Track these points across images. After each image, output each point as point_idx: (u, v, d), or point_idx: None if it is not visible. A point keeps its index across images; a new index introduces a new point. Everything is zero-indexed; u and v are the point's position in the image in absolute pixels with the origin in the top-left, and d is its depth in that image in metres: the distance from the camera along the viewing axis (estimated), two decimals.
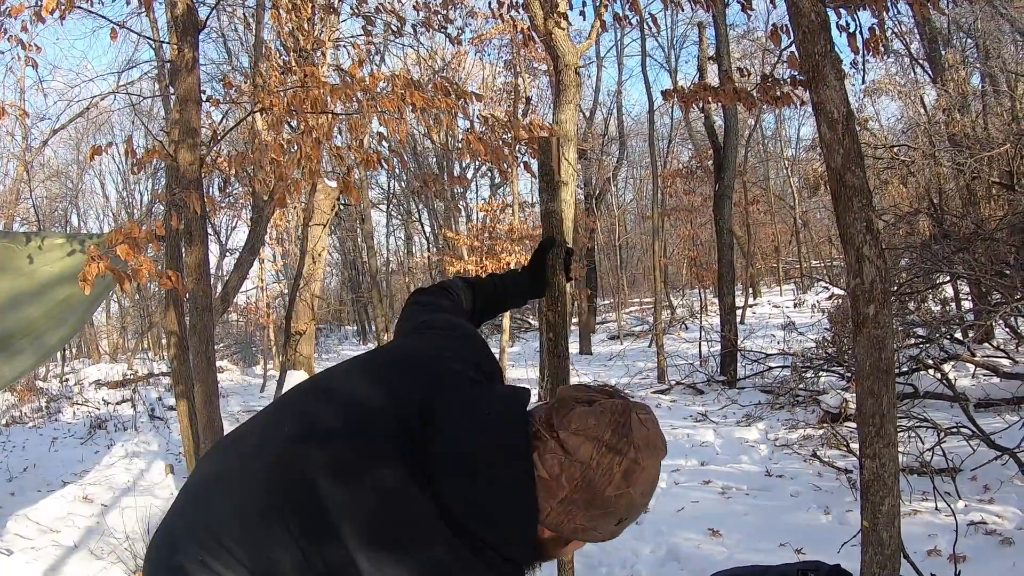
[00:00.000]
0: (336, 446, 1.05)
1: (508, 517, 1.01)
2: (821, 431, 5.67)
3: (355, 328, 28.08)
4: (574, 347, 15.85)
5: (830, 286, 8.84)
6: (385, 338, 17.21)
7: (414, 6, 5.13)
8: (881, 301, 2.10)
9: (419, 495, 1.00)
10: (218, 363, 10.08)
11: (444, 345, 1.28)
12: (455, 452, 1.02)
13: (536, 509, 1.00)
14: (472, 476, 1.01)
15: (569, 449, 0.99)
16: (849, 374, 6.74)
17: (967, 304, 7.99)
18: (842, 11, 3.39)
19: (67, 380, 14.03)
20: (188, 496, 1.14)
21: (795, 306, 15.87)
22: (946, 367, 5.89)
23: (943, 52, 9.82)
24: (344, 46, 9.40)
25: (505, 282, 1.77)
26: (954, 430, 4.50)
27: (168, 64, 4.46)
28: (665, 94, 4.45)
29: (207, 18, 4.61)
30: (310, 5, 6.48)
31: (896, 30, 10.24)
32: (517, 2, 4.66)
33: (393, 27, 5.62)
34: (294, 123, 4.93)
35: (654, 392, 9.68)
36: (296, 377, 10.23)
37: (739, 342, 10.26)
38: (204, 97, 4.25)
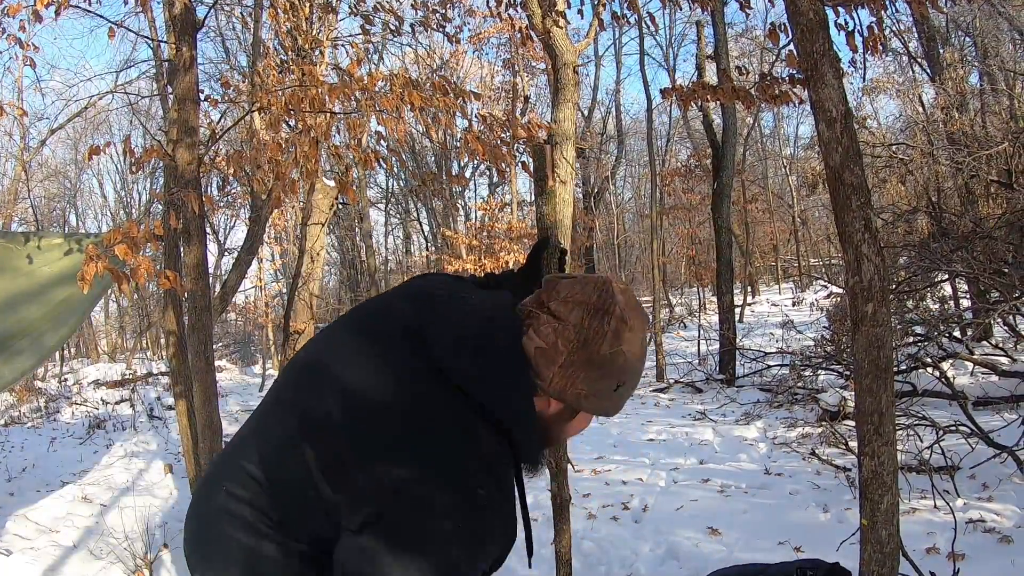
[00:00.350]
0: (329, 439, 1.10)
1: (504, 380, 1.08)
2: (820, 429, 5.68)
3: None
4: None
5: (829, 284, 8.84)
6: None
7: (412, 5, 5.12)
8: (880, 299, 2.10)
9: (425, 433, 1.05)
10: (217, 362, 10.06)
11: (431, 278, 1.35)
12: (450, 330, 1.11)
13: (526, 367, 1.08)
14: (468, 344, 1.08)
15: (561, 316, 1.09)
16: (848, 372, 6.74)
17: (965, 302, 7.99)
18: (840, 9, 3.38)
19: (66, 380, 14.02)
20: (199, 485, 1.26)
21: (794, 304, 15.88)
22: (945, 365, 5.89)
23: (941, 51, 9.83)
24: (342, 45, 9.38)
25: (500, 281, 1.79)
26: (953, 428, 4.50)
27: (166, 63, 4.45)
28: (664, 93, 4.45)
29: (205, 17, 4.60)
30: (308, 4, 6.48)
31: (895, 28, 10.25)
32: (515, 0, 4.65)
33: (391, 26, 5.61)
34: (292, 122, 4.93)
35: (653, 391, 9.68)
36: None
37: (738, 341, 10.27)
38: (202, 96, 4.24)
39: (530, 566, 1.42)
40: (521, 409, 1.10)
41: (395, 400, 1.07)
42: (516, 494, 1.13)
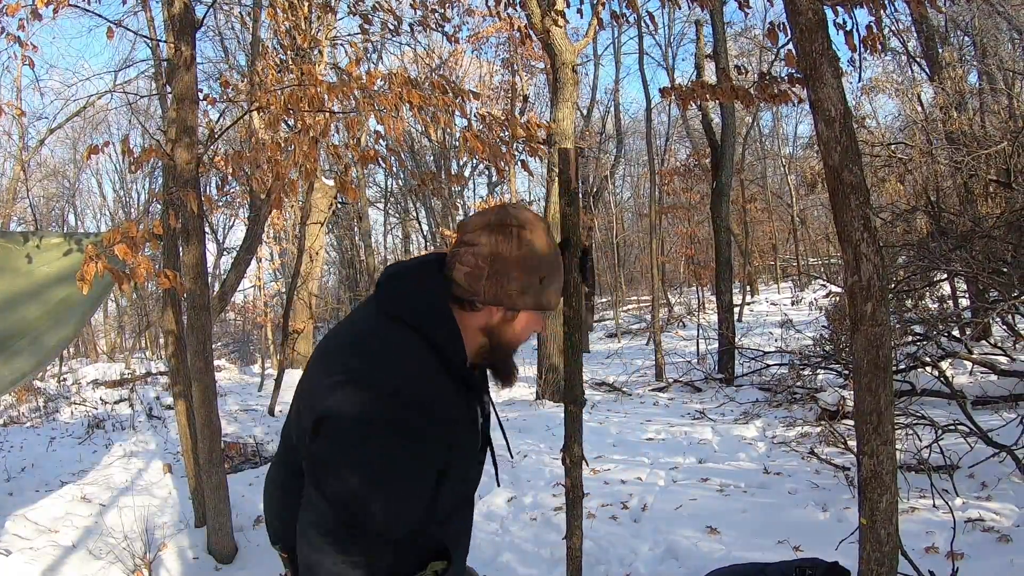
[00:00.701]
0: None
1: (425, 301, 1.34)
2: (819, 429, 5.68)
3: None
4: None
5: (828, 284, 8.85)
6: None
7: (411, 4, 5.13)
8: (879, 299, 2.10)
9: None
10: (216, 362, 10.03)
11: None
12: (385, 273, 1.42)
13: (442, 290, 1.35)
14: (401, 281, 1.38)
15: (473, 242, 1.34)
16: (847, 371, 6.75)
17: (964, 302, 7.99)
18: (839, 9, 3.39)
19: (65, 380, 14.00)
20: None
21: (793, 304, 15.92)
22: (944, 364, 5.90)
23: (940, 50, 9.81)
24: (341, 44, 9.38)
25: None
26: (952, 427, 4.50)
27: (165, 63, 4.45)
28: (663, 92, 4.46)
29: (204, 16, 4.60)
30: (307, 4, 6.48)
31: (893, 28, 10.26)
32: (514, 0, 4.65)
33: (390, 25, 5.62)
34: (291, 122, 4.92)
35: (652, 390, 9.68)
36: (294, 376, 10.22)
37: (737, 340, 10.27)
38: (201, 96, 4.24)
39: (498, 484, 1.60)
40: (429, 310, 1.33)
41: (348, 337, 1.39)
42: (439, 395, 1.30)
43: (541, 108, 19.49)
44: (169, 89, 4.42)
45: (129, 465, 6.37)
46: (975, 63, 10.55)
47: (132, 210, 23.16)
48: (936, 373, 5.28)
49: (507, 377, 1.48)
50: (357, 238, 20.38)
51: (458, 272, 1.34)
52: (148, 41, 9.13)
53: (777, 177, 26.25)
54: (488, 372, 1.50)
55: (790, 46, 2.89)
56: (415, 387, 1.25)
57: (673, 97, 4.40)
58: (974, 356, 6.39)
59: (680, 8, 4.68)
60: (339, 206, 16.12)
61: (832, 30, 2.52)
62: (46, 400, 10.82)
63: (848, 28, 3.44)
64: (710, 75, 12.01)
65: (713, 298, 14.55)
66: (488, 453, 1.54)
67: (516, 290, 1.33)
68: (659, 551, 3.93)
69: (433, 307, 1.33)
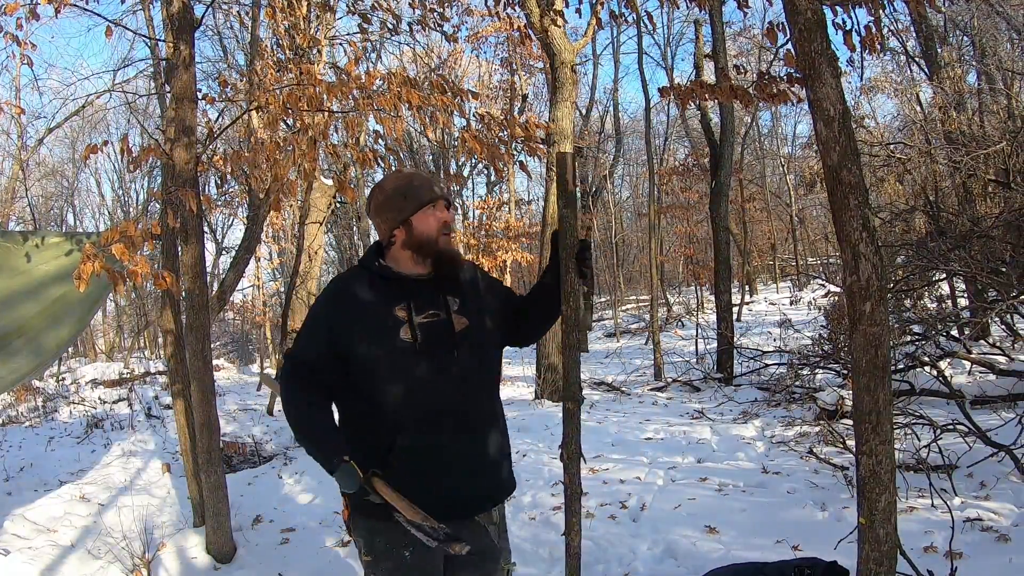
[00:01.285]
0: None
1: (367, 251, 2.11)
2: (817, 428, 5.68)
3: None
4: None
5: (826, 283, 8.85)
6: None
7: (410, 3, 5.12)
8: (877, 298, 2.10)
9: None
10: (215, 362, 10.02)
11: None
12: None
13: (375, 246, 2.10)
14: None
15: (371, 217, 2.10)
16: (845, 371, 6.75)
17: (963, 301, 8.00)
18: (838, 9, 3.39)
19: (63, 379, 13.99)
20: None
21: (791, 303, 15.92)
22: (942, 364, 5.89)
23: (939, 50, 9.82)
24: (340, 44, 9.37)
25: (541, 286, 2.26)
26: (950, 427, 4.50)
27: (164, 62, 4.45)
28: (662, 91, 4.46)
29: (203, 16, 4.60)
30: (306, 3, 6.48)
31: (892, 28, 10.25)
32: (513, 0, 4.65)
33: (389, 24, 5.61)
34: (290, 121, 4.92)
35: (651, 389, 9.68)
36: None
37: (735, 339, 10.27)
38: (200, 95, 4.24)
39: (455, 350, 2.02)
40: (365, 252, 2.10)
41: None
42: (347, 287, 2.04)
43: (540, 108, 19.48)
44: (168, 88, 4.41)
45: (128, 465, 6.36)
46: (974, 63, 10.55)
47: (131, 209, 23.13)
48: (935, 373, 5.28)
49: (449, 260, 2.03)
50: (356, 237, 20.37)
51: (378, 235, 2.09)
52: (147, 40, 9.13)
53: (776, 177, 26.27)
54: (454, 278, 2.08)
55: (789, 46, 2.89)
56: (333, 287, 2.06)
57: (672, 97, 4.41)
58: (973, 356, 6.39)
59: (679, 8, 4.68)
60: (338, 205, 16.11)
61: (831, 30, 2.52)
62: (45, 400, 10.82)
63: (847, 28, 3.44)
64: (709, 75, 12.02)
65: (712, 297, 14.56)
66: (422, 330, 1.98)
67: (396, 212, 2.01)
68: (658, 551, 3.93)
69: (367, 250, 2.10)
